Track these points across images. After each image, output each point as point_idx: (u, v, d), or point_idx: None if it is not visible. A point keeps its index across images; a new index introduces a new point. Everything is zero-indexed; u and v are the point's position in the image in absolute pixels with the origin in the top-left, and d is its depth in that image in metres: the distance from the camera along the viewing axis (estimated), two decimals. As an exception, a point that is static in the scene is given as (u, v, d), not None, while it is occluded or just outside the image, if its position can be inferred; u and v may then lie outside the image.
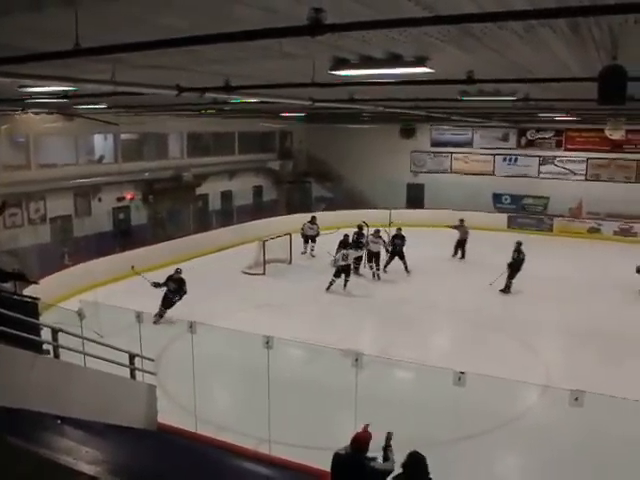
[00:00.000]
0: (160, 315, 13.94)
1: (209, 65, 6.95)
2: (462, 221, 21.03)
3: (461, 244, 20.81)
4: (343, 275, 16.74)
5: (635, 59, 5.96)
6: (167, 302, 14.21)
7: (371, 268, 18.24)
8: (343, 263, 16.75)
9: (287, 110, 18.69)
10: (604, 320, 14.04)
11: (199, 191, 24.32)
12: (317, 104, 10.59)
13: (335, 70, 6.55)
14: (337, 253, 17.60)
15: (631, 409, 7.00)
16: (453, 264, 20.26)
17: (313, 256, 20.94)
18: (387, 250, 18.60)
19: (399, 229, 19.09)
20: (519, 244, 16.99)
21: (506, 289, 16.40)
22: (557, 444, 8.50)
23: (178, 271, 14.73)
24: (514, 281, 16.42)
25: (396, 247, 18.65)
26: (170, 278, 14.52)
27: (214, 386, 10.79)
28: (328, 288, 16.61)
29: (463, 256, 20.84)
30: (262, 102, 11.03)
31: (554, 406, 9.14)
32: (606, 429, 8.48)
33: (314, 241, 21.26)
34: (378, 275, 18.16)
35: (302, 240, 21.36)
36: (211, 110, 16.21)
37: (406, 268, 18.41)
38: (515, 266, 16.54)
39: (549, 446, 8.53)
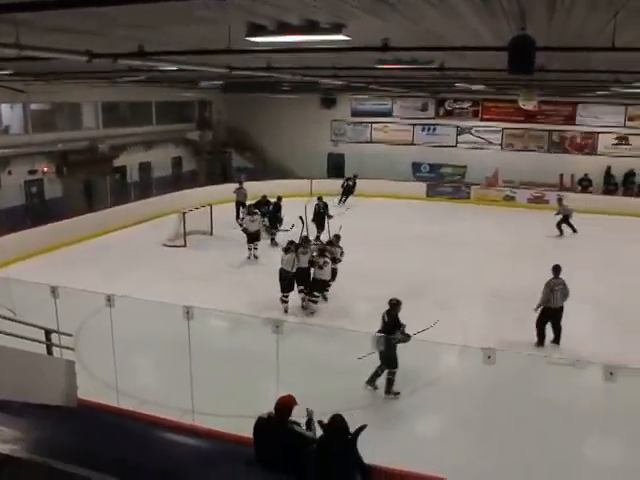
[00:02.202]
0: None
1: (121, 29, 6.73)
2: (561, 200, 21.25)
3: None
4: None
5: (541, 29, 6.18)
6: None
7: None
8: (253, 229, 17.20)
9: (205, 79, 18.31)
10: (519, 281, 14.65)
11: (116, 163, 23.59)
12: (235, 72, 10.43)
13: (251, 37, 6.47)
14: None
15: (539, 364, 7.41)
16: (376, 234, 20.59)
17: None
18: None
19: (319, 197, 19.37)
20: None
21: None
22: (474, 400, 8.88)
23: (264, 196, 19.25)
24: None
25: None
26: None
27: (135, 360, 10.62)
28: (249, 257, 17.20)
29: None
30: (179, 70, 10.77)
31: (470, 365, 9.51)
32: (515, 384, 8.91)
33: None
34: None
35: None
36: (129, 78, 15.67)
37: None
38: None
39: (467, 403, 8.91)
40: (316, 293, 13.18)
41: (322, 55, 8.39)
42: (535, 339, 11.22)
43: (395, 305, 9.33)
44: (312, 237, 17.71)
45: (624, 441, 8.00)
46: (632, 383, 7.02)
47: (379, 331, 9.14)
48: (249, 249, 17.28)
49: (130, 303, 9.07)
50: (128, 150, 24.01)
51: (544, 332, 11.30)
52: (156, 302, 9.06)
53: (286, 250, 13.23)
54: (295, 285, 13.19)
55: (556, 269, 11.40)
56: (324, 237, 16.71)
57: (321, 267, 12.95)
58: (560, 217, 20.67)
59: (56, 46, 7.26)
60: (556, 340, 11.33)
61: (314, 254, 13.35)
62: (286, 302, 13.02)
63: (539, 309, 11.22)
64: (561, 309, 11.24)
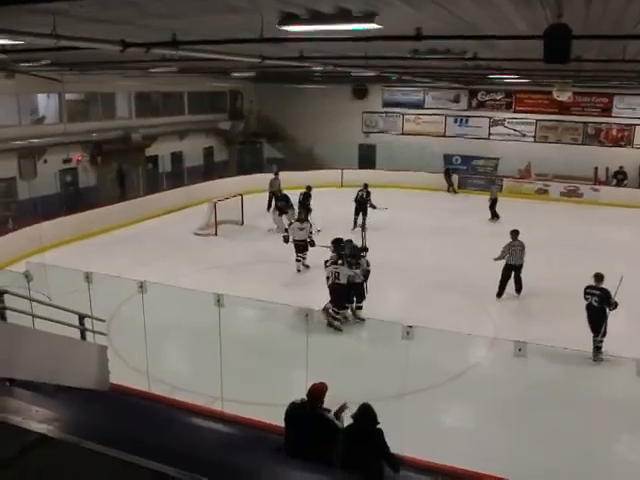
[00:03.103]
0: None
1: (154, 19, 6.78)
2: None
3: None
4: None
5: (580, 18, 6.07)
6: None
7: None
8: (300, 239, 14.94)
9: (237, 69, 18.36)
10: (550, 277, 14.47)
11: (148, 152, 23.83)
12: (267, 62, 10.44)
13: (283, 25, 6.47)
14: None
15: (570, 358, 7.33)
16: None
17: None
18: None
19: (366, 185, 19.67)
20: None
21: None
22: (504, 394, 8.82)
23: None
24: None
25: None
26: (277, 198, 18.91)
27: (166, 346, 10.77)
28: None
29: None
30: (212, 59, 10.81)
31: (500, 358, 9.45)
32: (546, 377, 8.82)
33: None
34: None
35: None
36: (162, 69, 15.77)
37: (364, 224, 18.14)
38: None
39: (496, 396, 8.85)
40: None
41: (354, 44, 8.35)
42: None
43: None
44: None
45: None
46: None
47: None
48: (297, 260, 15.06)
49: (162, 290, 9.20)
50: (160, 140, 24.21)
51: (505, 286, 13.28)
52: (187, 290, 9.15)
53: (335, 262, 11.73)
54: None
55: (514, 233, 13.34)
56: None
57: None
58: (490, 201, 21.19)
59: (91, 36, 7.36)
60: (518, 291, 13.40)
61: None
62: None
63: (500, 261, 13.23)
64: (521, 266, 13.27)
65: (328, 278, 11.55)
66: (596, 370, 8.51)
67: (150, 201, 21.18)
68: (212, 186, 22.71)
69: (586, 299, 10.30)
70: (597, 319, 10.17)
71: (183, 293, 9.41)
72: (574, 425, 7.91)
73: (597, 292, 10.21)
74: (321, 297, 12.38)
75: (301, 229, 14.95)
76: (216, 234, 18.55)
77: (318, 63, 12.27)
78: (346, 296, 11.55)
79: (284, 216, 18.53)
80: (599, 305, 10.10)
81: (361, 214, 19.10)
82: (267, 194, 21.72)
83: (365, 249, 12.53)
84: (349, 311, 11.79)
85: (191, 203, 21.49)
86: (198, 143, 27.17)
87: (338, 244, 12.27)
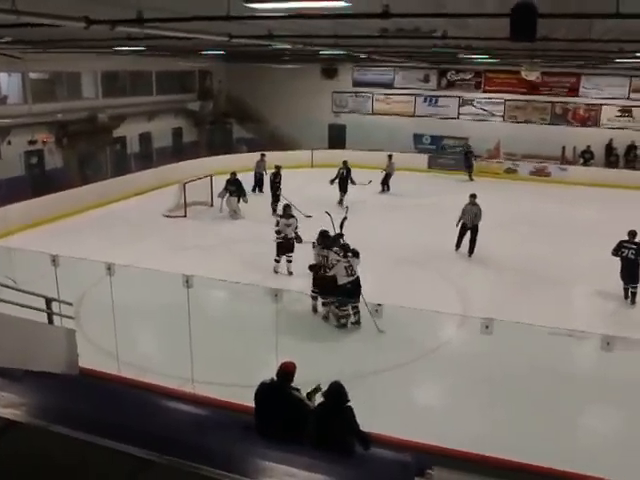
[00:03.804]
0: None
1: (118, -5, 6.64)
2: (390, 157, 22.37)
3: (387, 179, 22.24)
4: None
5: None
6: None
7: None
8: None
9: (205, 48, 18.11)
10: (517, 254, 14.70)
11: (116, 133, 23.43)
12: (235, 41, 10.31)
13: (250, 3, 6.38)
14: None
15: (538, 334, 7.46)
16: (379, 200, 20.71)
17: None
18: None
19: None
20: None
21: None
22: (473, 370, 8.95)
23: (233, 174, 18.05)
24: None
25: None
26: (228, 182, 17.83)
27: (136, 329, 10.69)
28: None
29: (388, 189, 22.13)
30: (179, 38, 10.64)
31: (469, 335, 9.57)
32: (514, 354, 8.97)
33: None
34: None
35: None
36: (129, 47, 15.49)
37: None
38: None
39: (465, 373, 8.98)
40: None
41: (322, 23, 8.29)
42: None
43: None
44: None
45: (620, 408, 8.10)
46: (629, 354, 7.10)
47: None
48: (276, 261, 13.42)
49: (130, 272, 9.12)
50: (128, 121, 23.83)
51: (461, 242, 14.90)
52: (156, 271, 9.08)
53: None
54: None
55: (471, 196, 14.93)
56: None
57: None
58: (384, 174, 22.11)
59: (53, 12, 7.17)
60: (470, 252, 14.78)
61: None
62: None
63: (459, 224, 14.74)
64: (475, 227, 14.63)
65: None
66: (562, 345, 8.67)
67: (118, 183, 20.85)
68: (181, 167, 22.49)
69: (622, 252, 11.94)
70: (633, 269, 11.97)
71: (152, 275, 9.33)
72: (543, 399, 8.06)
73: (633, 246, 11.89)
74: (291, 278, 12.43)
75: (288, 225, 13.32)
76: (185, 215, 18.40)
77: (286, 42, 12.14)
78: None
79: (235, 200, 18.29)
80: (635, 257, 11.85)
81: (343, 189, 19.87)
82: (252, 175, 21.46)
83: (341, 235, 11.63)
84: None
85: (160, 185, 21.24)
86: (167, 124, 26.80)
87: (326, 238, 11.35)
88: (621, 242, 11.99)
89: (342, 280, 10.53)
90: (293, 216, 13.66)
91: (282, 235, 13.23)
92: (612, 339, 6.22)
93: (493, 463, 6.35)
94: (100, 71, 22.98)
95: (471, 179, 24.73)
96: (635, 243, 11.89)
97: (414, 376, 9.23)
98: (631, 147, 25.21)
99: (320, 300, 11.24)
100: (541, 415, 7.72)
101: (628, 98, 25.19)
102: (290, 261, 13.33)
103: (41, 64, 19.32)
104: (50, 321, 8.25)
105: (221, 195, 18.56)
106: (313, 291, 11.25)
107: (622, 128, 25.36)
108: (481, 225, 14.69)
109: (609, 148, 25.44)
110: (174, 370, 8.35)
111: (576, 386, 8.21)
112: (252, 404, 5.73)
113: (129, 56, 20.46)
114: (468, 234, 14.79)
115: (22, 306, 7.53)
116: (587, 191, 22.37)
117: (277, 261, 13.46)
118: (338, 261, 10.65)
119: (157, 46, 15.94)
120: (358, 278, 10.59)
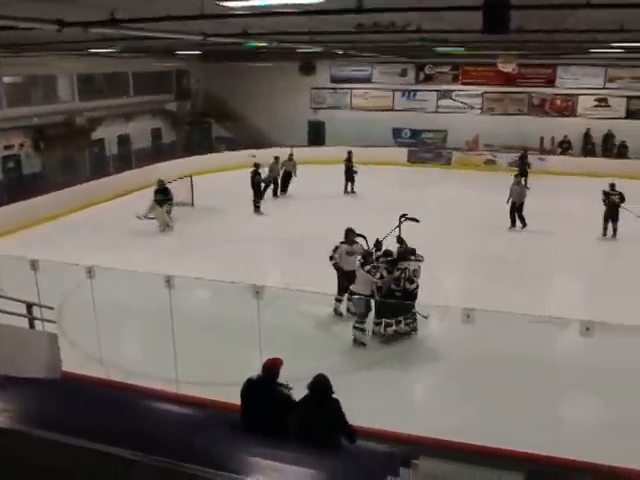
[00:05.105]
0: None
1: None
2: (291, 155, 21.53)
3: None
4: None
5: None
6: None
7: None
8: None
9: (181, 47, 18.01)
10: (497, 244, 14.86)
11: (94, 136, 23.21)
12: (210, 39, 10.28)
13: (223, 1, 6.37)
14: None
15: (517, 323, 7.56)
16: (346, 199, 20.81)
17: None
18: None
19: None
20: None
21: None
22: (455, 360, 9.03)
23: (161, 182, 17.29)
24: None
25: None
26: (155, 191, 17.05)
27: (119, 331, 10.59)
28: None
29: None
30: (153, 38, 10.59)
31: (450, 325, 9.64)
32: (495, 343, 9.06)
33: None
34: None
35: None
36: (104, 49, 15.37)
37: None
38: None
39: (448, 363, 9.06)
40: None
41: (297, 19, 8.28)
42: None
43: None
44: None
45: (601, 394, 8.21)
46: (609, 339, 7.19)
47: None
48: (337, 300, 10.90)
49: (111, 275, 9.06)
50: (106, 123, 23.66)
51: (514, 218, 16.54)
52: (137, 273, 9.04)
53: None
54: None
55: (516, 176, 17.74)
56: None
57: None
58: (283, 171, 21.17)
59: (26, 15, 7.12)
60: (523, 225, 16.52)
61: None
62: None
63: (509, 202, 16.42)
64: (521, 204, 16.48)
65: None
66: (543, 332, 8.76)
67: (98, 186, 20.64)
68: (161, 168, 22.32)
69: (608, 198, 15.12)
70: (617, 211, 15.07)
71: (133, 277, 9.28)
72: (524, 386, 8.13)
73: (617, 193, 15.07)
74: (271, 274, 12.38)
75: (350, 254, 10.70)
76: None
77: (262, 40, 12.13)
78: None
79: (163, 208, 17.27)
80: (619, 202, 14.97)
81: (350, 182, 21.15)
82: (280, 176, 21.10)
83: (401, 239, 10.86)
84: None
85: (139, 186, 21.01)
86: (145, 125, 26.63)
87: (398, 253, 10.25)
88: (606, 192, 15.23)
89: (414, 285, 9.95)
90: (356, 242, 10.86)
91: (339, 266, 10.63)
92: (591, 324, 6.30)
93: (478, 450, 6.41)
94: (76, 73, 22.74)
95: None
96: (618, 192, 15.09)
97: (397, 368, 9.28)
98: (608, 136, 25.46)
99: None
100: (524, 402, 7.79)
101: (604, 88, 25.44)
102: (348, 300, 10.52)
103: (15, 68, 19.10)
104: (32, 326, 8.20)
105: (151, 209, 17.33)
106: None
107: (599, 118, 25.61)
108: (467, 214, 14.84)
109: (587, 137, 25.68)
110: (158, 371, 8.30)
111: (557, 372, 8.29)
112: (237, 402, 5.73)
113: (105, 58, 20.29)
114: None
115: (2, 312, 7.48)
116: (566, 180, 22.55)
117: (338, 300, 10.84)
118: (419, 266, 9.95)
119: (132, 47, 15.84)
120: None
